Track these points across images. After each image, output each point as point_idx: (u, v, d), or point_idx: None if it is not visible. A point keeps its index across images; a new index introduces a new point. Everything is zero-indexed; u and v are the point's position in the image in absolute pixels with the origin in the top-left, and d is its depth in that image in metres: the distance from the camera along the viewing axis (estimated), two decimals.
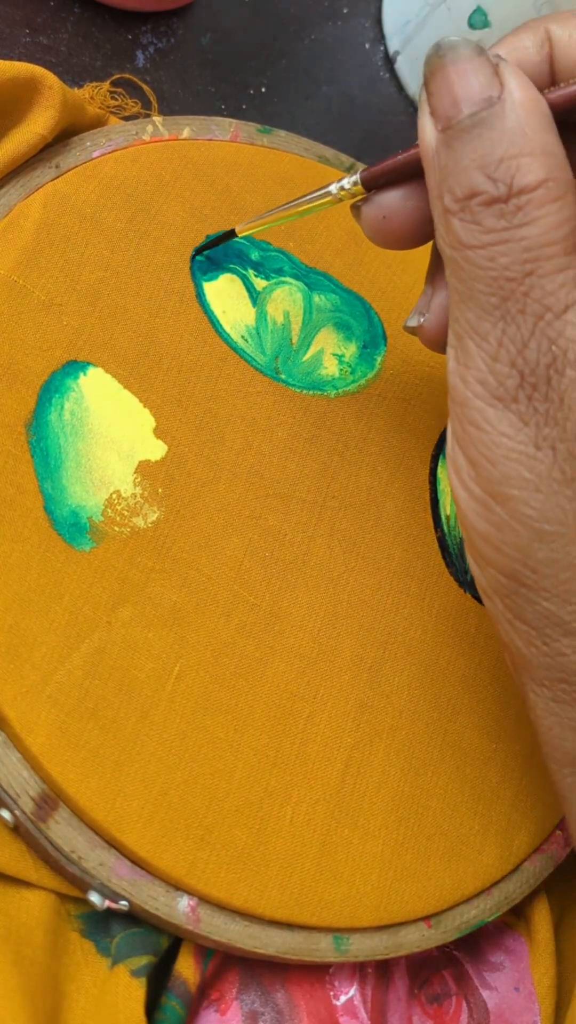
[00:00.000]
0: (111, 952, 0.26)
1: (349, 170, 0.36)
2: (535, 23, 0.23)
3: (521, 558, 0.22)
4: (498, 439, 0.21)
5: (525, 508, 0.21)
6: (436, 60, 0.21)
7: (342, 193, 0.26)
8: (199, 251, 0.32)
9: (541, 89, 0.21)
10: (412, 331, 0.27)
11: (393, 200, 0.25)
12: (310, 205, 0.27)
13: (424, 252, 0.27)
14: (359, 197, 0.26)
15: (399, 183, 0.25)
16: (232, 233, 0.31)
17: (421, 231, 0.25)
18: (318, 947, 0.27)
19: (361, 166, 0.37)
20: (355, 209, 0.26)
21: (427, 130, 0.21)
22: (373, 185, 0.25)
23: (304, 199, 0.27)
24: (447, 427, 0.34)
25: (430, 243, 0.26)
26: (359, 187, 0.25)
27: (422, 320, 0.26)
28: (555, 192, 0.20)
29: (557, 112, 0.21)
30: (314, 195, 0.27)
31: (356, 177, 0.25)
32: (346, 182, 0.25)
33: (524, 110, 0.20)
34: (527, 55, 0.23)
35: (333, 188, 0.26)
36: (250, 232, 0.30)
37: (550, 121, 0.20)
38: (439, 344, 0.26)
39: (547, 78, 0.23)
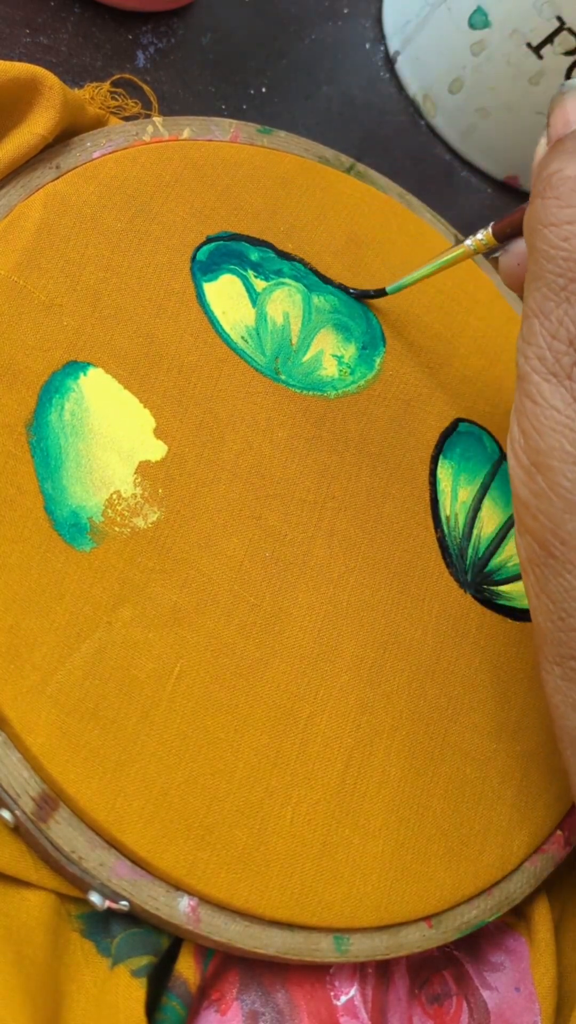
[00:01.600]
0: (111, 952, 0.26)
1: (349, 170, 0.36)
2: None
3: (553, 528, 0.23)
4: (548, 412, 0.22)
5: (562, 479, 0.22)
6: (558, 97, 0.24)
7: (477, 244, 0.28)
8: (359, 295, 0.34)
9: None
10: (485, 246, 0.28)
11: (524, 248, 0.27)
12: (451, 259, 0.30)
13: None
14: (491, 246, 0.28)
15: None
16: (383, 292, 0.34)
17: None
18: (318, 947, 0.27)
19: (362, 167, 0.37)
20: (493, 260, 0.28)
21: (540, 149, 0.25)
22: (503, 235, 0.27)
23: (445, 256, 0.30)
24: (446, 428, 0.34)
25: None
26: (491, 238, 0.28)
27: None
28: None
29: None
30: (454, 251, 0.29)
31: (489, 230, 0.28)
32: (480, 234, 0.28)
33: None
34: None
35: (469, 242, 0.29)
36: (399, 289, 0.33)
37: None
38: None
39: None
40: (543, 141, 0.25)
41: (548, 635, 0.24)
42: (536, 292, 0.23)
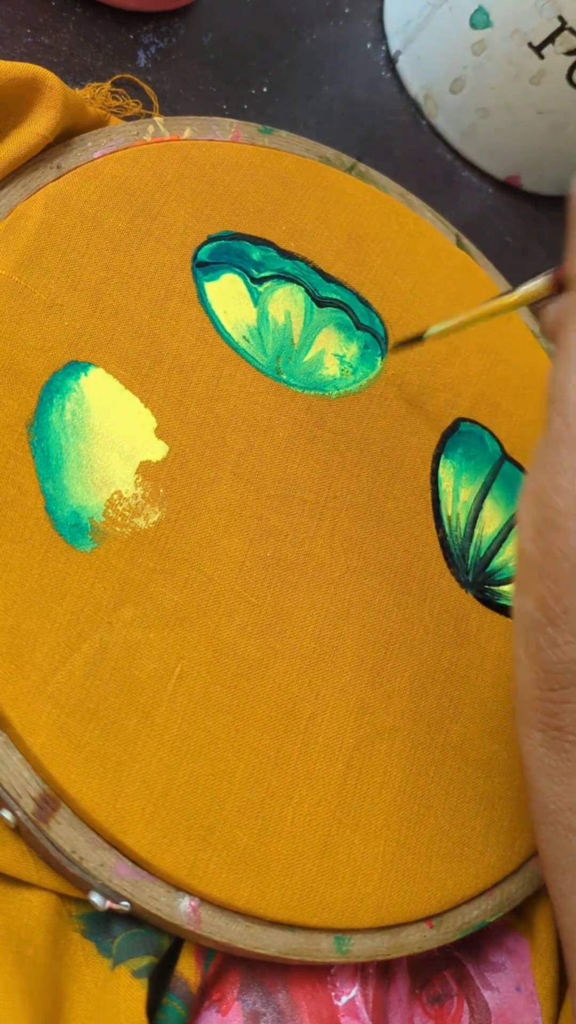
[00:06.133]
0: (112, 953, 0.26)
1: (350, 170, 0.36)
2: None
3: (559, 593, 0.21)
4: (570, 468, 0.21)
5: (573, 542, 0.21)
6: None
7: (531, 294, 0.27)
8: (398, 344, 0.34)
9: None
10: (536, 295, 0.27)
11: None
12: (497, 308, 0.28)
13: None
14: (541, 297, 0.27)
15: None
16: (420, 338, 0.33)
17: None
18: (319, 948, 0.27)
19: (363, 167, 0.37)
20: (537, 311, 0.27)
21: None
22: (562, 285, 0.26)
23: (495, 303, 0.28)
24: (447, 427, 0.34)
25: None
26: (546, 288, 0.26)
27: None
28: None
29: None
30: (505, 300, 0.28)
31: (540, 279, 0.26)
32: (530, 285, 0.27)
33: None
34: None
35: (520, 291, 0.27)
36: (441, 334, 0.32)
37: None
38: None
39: None
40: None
41: (533, 701, 0.23)
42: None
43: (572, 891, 0.23)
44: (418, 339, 0.33)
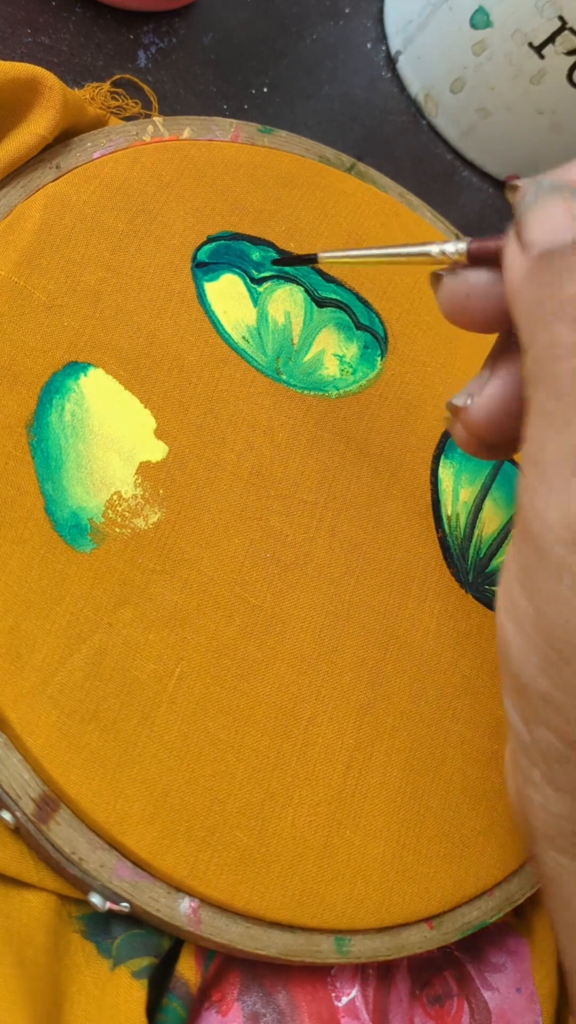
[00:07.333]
0: (112, 953, 0.26)
1: (350, 170, 0.36)
2: None
3: None
4: None
5: None
6: (531, 197, 0.21)
7: (443, 256, 0.23)
8: (277, 261, 0.31)
9: None
10: (454, 411, 0.24)
11: (484, 280, 0.23)
12: (405, 259, 0.25)
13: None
14: (453, 264, 0.23)
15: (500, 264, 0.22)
16: (314, 258, 0.28)
17: (498, 320, 0.23)
18: (320, 948, 0.27)
19: (362, 166, 0.37)
20: (436, 277, 0.23)
21: (516, 259, 0.20)
22: (479, 259, 0.22)
23: (400, 250, 0.25)
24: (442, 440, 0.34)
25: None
26: (463, 256, 0.23)
27: (469, 402, 0.23)
28: None
29: None
30: (412, 250, 0.24)
31: (463, 246, 0.23)
32: (450, 247, 0.23)
33: None
34: None
35: (434, 249, 0.23)
36: (332, 263, 0.28)
37: None
38: (481, 433, 0.23)
39: None
40: (515, 250, 0.20)
41: (561, 828, 0.20)
42: (557, 435, 0.18)
43: None
44: (311, 259, 0.28)
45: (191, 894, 0.26)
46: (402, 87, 0.45)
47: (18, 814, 0.25)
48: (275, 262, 0.32)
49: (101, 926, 0.26)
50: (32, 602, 0.26)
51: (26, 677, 0.26)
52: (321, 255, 0.28)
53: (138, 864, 0.26)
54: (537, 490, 0.18)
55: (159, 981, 0.26)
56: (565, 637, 0.18)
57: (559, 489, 0.18)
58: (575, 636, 0.18)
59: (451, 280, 0.23)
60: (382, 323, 0.34)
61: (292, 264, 0.31)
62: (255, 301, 0.32)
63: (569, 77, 0.40)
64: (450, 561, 0.32)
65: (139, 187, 0.31)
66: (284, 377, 0.32)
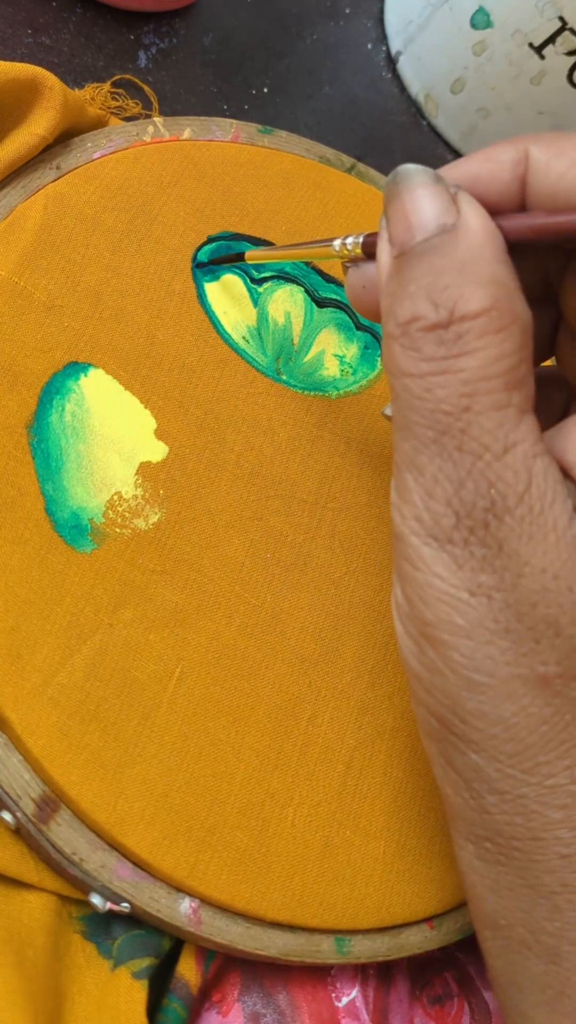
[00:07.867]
0: (113, 954, 0.26)
1: (350, 170, 0.36)
2: (518, 140, 0.21)
3: (451, 705, 0.20)
4: (431, 579, 0.20)
5: (455, 654, 0.20)
6: (392, 187, 0.20)
7: (343, 250, 0.25)
8: (199, 264, 0.32)
9: (504, 209, 0.21)
10: (388, 419, 0.26)
11: (375, 273, 0.24)
12: (313, 253, 0.27)
13: None
14: (354, 257, 0.25)
15: None
16: (241, 256, 0.30)
17: None
18: (320, 949, 0.27)
19: (363, 167, 0.37)
20: (345, 269, 0.25)
21: (383, 255, 0.20)
22: (371, 253, 0.24)
23: (309, 245, 0.27)
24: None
25: None
26: (359, 250, 0.24)
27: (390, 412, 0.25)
28: (498, 322, 0.19)
29: (515, 241, 0.20)
30: (316, 245, 0.26)
31: (359, 239, 0.24)
32: (349, 241, 0.24)
33: (477, 239, 0.19)
34: (499, 171, 0.21)
35: (336, 244, 0.25)
36: (257, 262, 0.30)
37: (503, 251, 0.19)
38: None
39: (516, 198, 0.21)
40: (385, 246, 0.20)
41: (459, 810, 0.21)
42: (405, 443, 0.20)
43: (534, 1007, 0.22)
44: (238, 257, 0.31)
45: (191, 894, 0.26)
46: (402, 87, 0.45)
47: (18, 815, 0.25)
48: (209, 263, 0.32)
49: (101, 927, 0.26)
50: (32, 603, 0.26)
51: (26, 678, 0.26)
52: (248, 253, 0.30)
53: (138, 864, 0.26)
54: (396, 488, 0.21)
55: (159, 981, 0.26)
56: (425, 618, 0.20)
57: (407, 487, 0.20)
58: (433, 616, 0.20)
59: (352, 272, 0.25)
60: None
61: (223, 263, 0.32)
62: (255, 301, 0.32)
63: (569, 77, 0.40)
64: None
65: (139, 187, 0.31)
66: (284, 377, 0.32)
